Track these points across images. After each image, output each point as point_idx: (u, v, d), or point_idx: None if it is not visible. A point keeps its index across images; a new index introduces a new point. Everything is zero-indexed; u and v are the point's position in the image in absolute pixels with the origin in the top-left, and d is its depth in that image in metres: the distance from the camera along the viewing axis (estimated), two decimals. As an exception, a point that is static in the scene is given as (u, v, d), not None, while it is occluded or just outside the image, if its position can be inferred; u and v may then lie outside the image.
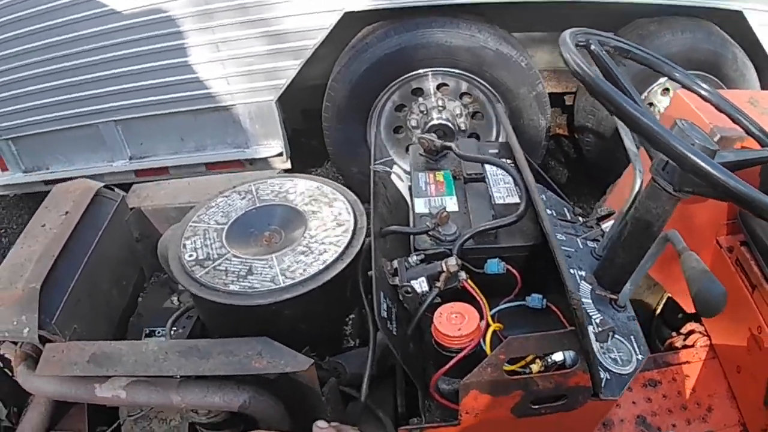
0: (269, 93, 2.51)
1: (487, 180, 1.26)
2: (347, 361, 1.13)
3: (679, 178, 0.92)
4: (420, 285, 0.98)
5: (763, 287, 1.33)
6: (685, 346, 1.66)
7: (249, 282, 1.01)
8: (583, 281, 1.13)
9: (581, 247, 1.26)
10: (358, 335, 1.20)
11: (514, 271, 1.08)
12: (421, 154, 1.33)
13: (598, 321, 1.04)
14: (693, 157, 0.76)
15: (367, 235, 1.10)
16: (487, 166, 1.28)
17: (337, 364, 1.10)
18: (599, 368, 0.97)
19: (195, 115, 2.61)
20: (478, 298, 1.02)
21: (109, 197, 1.38)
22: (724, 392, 1.53)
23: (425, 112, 2.60)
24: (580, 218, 1.39)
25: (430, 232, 1.08)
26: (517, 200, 1.19)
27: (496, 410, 1.00)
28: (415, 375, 0.98)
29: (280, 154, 2.65)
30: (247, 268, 1.04)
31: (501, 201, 1.20)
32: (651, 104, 2.55)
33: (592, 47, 1.05)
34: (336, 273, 1.02)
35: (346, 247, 1.06)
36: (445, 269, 0.99)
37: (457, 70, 2.46)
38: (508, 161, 1.27)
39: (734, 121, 1.12)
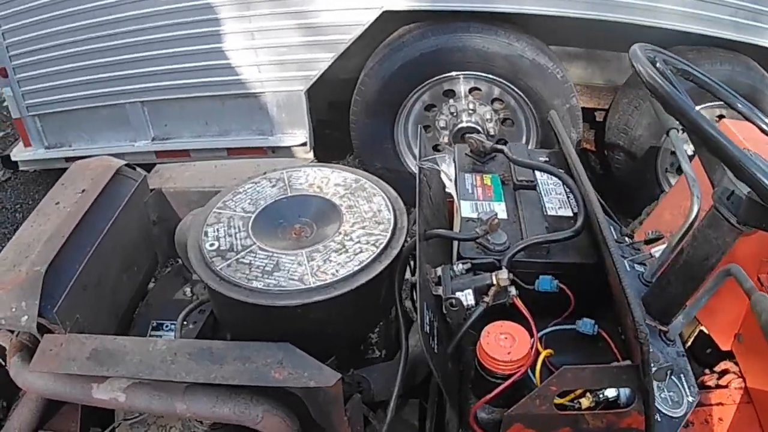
0: (299, 83, 2.51)
1: (538, 189, 1.15)
2: (370, 375, 1.02)
3: (746, 211, 0.84)
4: (466, 298, 0.87)
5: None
6: (718, 386, 1.56)
7: (275, 279, 0.91)
8: None
9: (628, 270, 1.16)
10: (384, 345, 1.09)
11: (567, 290, 0.97)
12: (467, 155, 1.22)
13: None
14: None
15: (408, 236, 0.99)
16: (538, 174, 1.18)
17: (362, 378, 0.99)
18: (651, 410, 0.87)
19: (222, 100, 2.61)
20: (528, 318, 0.91)
21: (129, 176, 1.29)
22: None
23: (455, 114, 2.59)
24: (627, 238, 1.28)
25: (477, 240, 0.97)
26: (570, 213, 1.12)
27: None
28: (454, 400, 0.87)
29: (304, 144, 2.63)
30: (274, 263, 0.94)
31: (553, 213, 1.11)
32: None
33: (657, 65, 1.01)
34: (372, 276, 0.91)
35: (385, 248, 0.95)
36: (495, 282, 0.88)
37: (491, 76, 2.45)
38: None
39: None
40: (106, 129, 2.79)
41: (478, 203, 1.08)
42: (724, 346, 1.54)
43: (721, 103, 1.13)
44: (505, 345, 0.85)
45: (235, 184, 1.12)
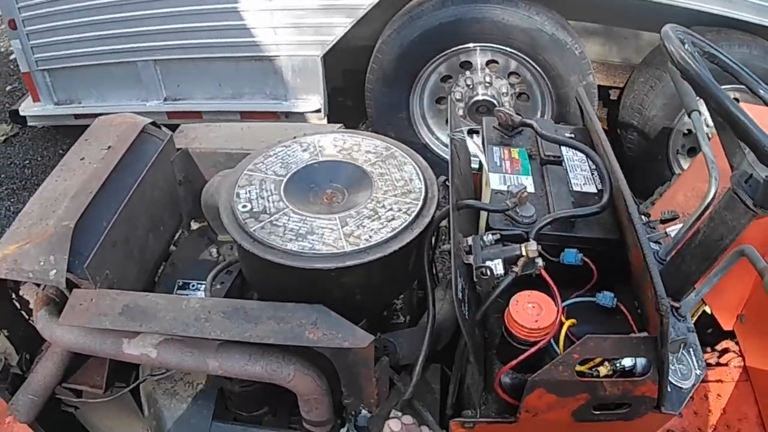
0: (316, 48, 2.47)
1: (564, 164, 1.17)
2: (396, 340, 1.05)
3: (763, 194, 0.87)
4: (496, 267, 0.89)
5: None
6: (718, 364, 1.62)
7: (309, 242, 0.92)
8: None
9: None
10: (408, 312, 1.12)
11: (591, 264, 1.00)
12: (495, 128, 1.23)
13: None
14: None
15: (438, 205, 1.01)
16: (564, 150, 1.19)
17: (388, 342, 1.02)
18: (663, 380, 0.92)
19: (237, 62, 2.57)
20: (553, 289, 0.93)
21: (155, 135, 1.29)
22: (754, 418, 1.49)
23: (471, 87, 2.57)
24: (644, 217, 1.31)
25: (507, 211, 0.99)
26: (594, 190, 1.14)
27: (558, 412, 0.94)
28: (480, 365, 0.90)
29: (318, 111, 2.61)
30: (308, 227, 0.95)
31: (578, 189, 1.13)
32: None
33: (686, 46, 1.01)
34: (405, 243, 0.93)
35: (416, 216, 0.97)
36: (524, 254, 0.91)
37: (509, 49, 2.42)
38: None
39: None
40: (117, 87, 2.75)
41: (506, 176, 1.10)
42: (727, 326, 1.60)
43: (738, 86, 1.14)
44: (533, 313, 0.88)
45: (265, 147, 1.12)
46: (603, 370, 0.92)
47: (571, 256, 0.99)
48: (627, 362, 0.92)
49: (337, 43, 2.44)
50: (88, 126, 1.32)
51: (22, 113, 2.93)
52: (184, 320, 0.93)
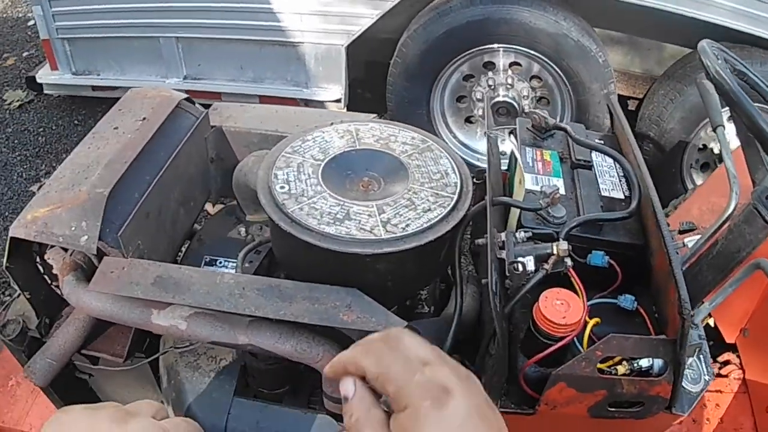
0: (340, 37, 2.48)
1: (593, 169, 1.19)
2: (421, 329, 1.07)
3: None
4: (528, 263, 0.92)
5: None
6: (719, 375, 1.66)
7: (346, 227, 0.94)
8: None
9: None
10: (432, 302, 1.15)
11: (617, 267, 1.03)
12: (528, 129, 1.25)
13: None
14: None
15: (473, 200, 1.03)
16: (594, 155, 1.21)
17: (416, 330, 1.04)
18: (675, 383, 0.95)
19: (260, 45, 2.57)
20: (579, 288, 0.96)
21: (190, 111, 1.30)
22: (750, 429, 1.53)
23: (492, 87, 2.58)
24: (664, 226, 1.34)
25: (539, 211, 1.02)
26: (622, 196, 1.16)
27: (575, 406, 0.97)
28: (506, 357, 0.93)
29: (338, 101, 2.62)
30: (345, 212, 0.97)
31: (607, 194, 1.16)
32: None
33: (719, 62, 1.06)
34: (440, 234, 0.95)
35: (452, 209, 0.99)
36: (555, 252, 0.93)
37: (533, 52, 2.44)
38: None
39: None
40: (138, 62, 2.74)
41: (538, 177, 1.12)
42: (729, 339, 1.64)
43: (764, 106, 1.17)
44: (560, 310, 0.91)
45: (302, 131, 1.14)
46: (621, 369, 0.95)
47: (598, 258, 1.02)
48: (644, 363, 0.96)
49: (363, 34, 2.44)
50: (104, 98, 1.32)
51: (38, 80, 2.92)
52: (218, 295, 0.94)
